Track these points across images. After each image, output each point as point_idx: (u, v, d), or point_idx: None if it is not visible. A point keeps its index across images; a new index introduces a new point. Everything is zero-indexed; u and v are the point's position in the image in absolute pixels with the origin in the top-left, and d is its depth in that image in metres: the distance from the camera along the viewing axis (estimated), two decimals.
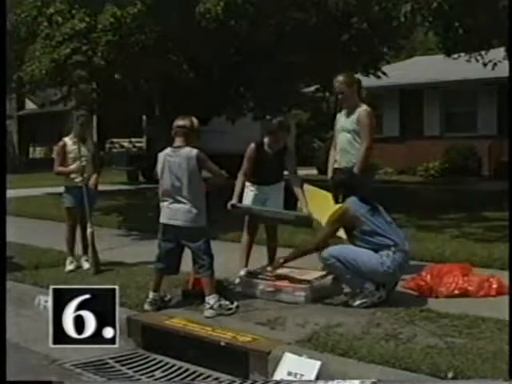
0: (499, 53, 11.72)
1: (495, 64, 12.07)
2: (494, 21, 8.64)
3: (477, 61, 12.45)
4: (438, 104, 20.30)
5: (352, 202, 5.02)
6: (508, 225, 7.40)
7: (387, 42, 13.21)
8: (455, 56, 12.71)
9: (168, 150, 5.07)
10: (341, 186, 5.26)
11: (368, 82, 15.64)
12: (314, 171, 22.64)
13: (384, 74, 13.73)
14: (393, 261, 4.81)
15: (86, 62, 9.92)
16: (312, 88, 15.30)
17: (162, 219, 5.09)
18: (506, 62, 11.48)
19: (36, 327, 5.13)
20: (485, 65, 12.34)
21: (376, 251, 4.85)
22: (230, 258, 6.91)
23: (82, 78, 10.72)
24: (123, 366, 4.32)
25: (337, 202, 5.32)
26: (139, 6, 9.61)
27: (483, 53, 12.13)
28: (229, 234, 8.33)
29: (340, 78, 5.92)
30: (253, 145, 5.96)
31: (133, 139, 20.07)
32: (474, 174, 18.17)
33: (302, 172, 24.72)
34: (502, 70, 11.89)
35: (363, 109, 5.86)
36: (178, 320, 4.70)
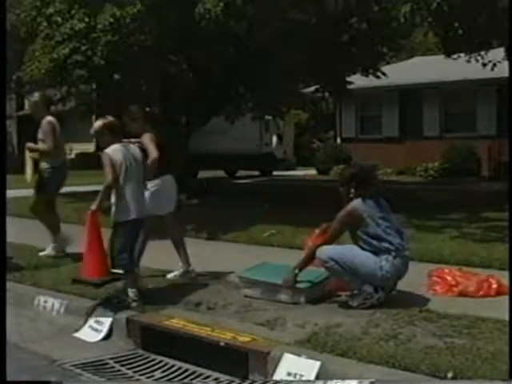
0: (499, 53, 11.73)
1: (495, 64, 12.07)
2: (493, 21, 8.65)
3: (476, 61, 12.45)
4: (437, 104, 20.31)
5: (361, 201, 4.99)
6: (508, 225, 7.41)
7: (387, 42, 13.19)
8: (455, 56, 12.71)
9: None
10: (352, 180, 5.15)
11: (368, 82, 15.73)
12: (314, 171, 22.67)
13: (384, 74, 13.73)
14: (391, 266, 4.79)
15: (86, 61, 9.92)
16: (312, 88, 15.31)
17: None
18: (506, 63, 11.50)
19: (36, 327, 5.13)
20: (484, 65, 12.35)
21: (376, 254, 4.83)
22: (230, 258, 6.92)
23: (81, 77, 10.71)
24: (123, 366, 4.32)
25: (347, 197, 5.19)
26: (139, 6, 9.60)
27: (483, 53, 12.13)
28: (229, 234, 8.34)
29: None
30: None
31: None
32: (474, 175, 18.17)
33: (302, 172, 24.64)
34: (502, 71, 11.91)
35: None
36: (177, 320, 4.69)
